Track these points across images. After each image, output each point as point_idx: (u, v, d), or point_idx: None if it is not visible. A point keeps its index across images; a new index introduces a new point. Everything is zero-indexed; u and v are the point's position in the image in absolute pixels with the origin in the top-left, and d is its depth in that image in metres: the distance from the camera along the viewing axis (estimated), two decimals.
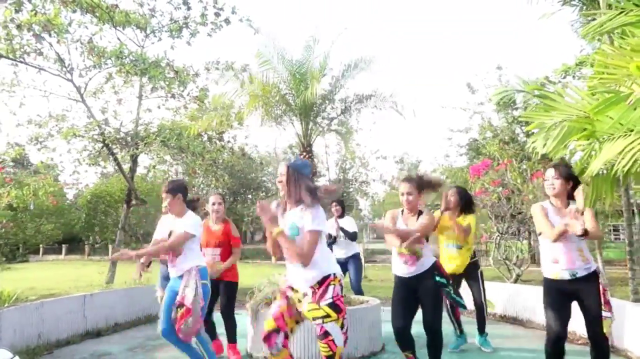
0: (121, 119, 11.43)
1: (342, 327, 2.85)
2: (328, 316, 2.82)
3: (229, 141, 13.10)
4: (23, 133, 11.58)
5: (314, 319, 2.86)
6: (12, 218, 6.65)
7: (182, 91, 11.14)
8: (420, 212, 3.76)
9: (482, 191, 7.27)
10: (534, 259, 15.04)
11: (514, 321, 6.43)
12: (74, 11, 9.16)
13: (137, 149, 10.72)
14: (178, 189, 3.87)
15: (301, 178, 2.96)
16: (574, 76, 11.10)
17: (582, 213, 3.38)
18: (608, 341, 3.24)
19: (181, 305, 3.64)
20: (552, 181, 3.44)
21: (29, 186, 7.12)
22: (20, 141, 11.24)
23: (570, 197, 3.48)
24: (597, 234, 3.39)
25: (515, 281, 8.11)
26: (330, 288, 2.86)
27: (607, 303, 3.26)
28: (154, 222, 4.18)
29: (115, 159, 10.99)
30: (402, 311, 3.71)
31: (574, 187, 3.45)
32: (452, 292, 3.74)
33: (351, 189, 27.90)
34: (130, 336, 5.70)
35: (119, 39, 10.44)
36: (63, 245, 30.84)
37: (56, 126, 10.81)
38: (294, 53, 4.91)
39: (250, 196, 26.93)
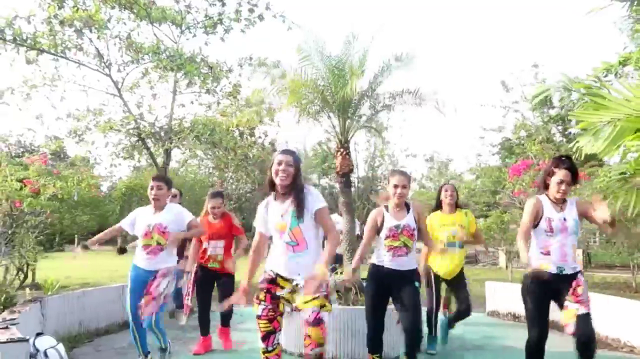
0: (156, 114, 11.64)
1: None
2: (324, 306, 2.93)
3: (260, 137, 13.22)
4: (62, 126, 11.91)
5: (309, 307, 2.90)
6: (56, 209, 6.88)
7: (216, 87, 11.29)
8: (407, 206, 3.74)
9: (520, 192, 7.13)
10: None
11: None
12: (113, 7, 9.37)
13: (170, 143, 10.89)
14: (170, 184, 4.16)
15: (301, 174, 3.06)
16: (616, 74, 10.74)
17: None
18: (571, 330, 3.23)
19: (148, 293, 3.84)
20: (565, 185, 3.34)
21: (73, 178, 7.35)
22: (60, 134, 11.57)
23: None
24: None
25: None
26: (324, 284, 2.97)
27: (577, 294, 3.26)
28: None
29: (151, 153, 11.19)
30: (380, 311, 3.72)
31: (575, 182, 3.47)
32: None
33: (379, 187, 27.73)
34: (167, 328, 5.76)
35: (155, 35, 10.62)
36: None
37: (94, 119, 11.08)
38: (333, 49, 4.87)
39: None
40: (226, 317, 4.96)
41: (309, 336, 2.91)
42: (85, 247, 4.06)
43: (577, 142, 4.23)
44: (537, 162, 7.33)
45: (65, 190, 6.40)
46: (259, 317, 3.00)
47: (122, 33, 9.70)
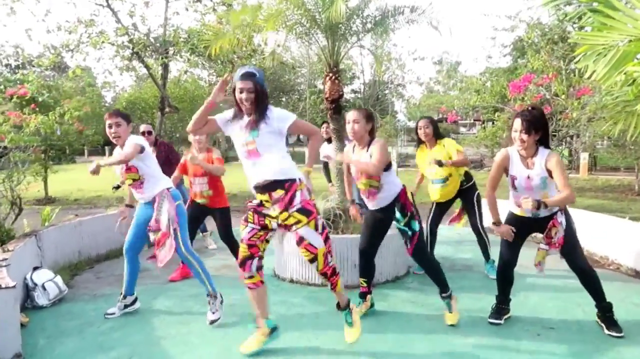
0: (149, 24, 11.15)
1: (316, 229, 2.95)
2: (299, 221, 2.91)
3: (259, 45, 12.66)
4: (54, 40, 11.45)
5: (288, 224, 2.94)
6: (40, 143, 6.70)
7: None
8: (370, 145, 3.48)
9: (521, 107, 6.91)
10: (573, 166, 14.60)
11: None
12: None
13: (166, 56, 10.54)
14: (130, 118, 3.75)
15: (265, 93, 2.94)
16: None
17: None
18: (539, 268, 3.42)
19: (157, 230, 3.67)
20: (520, 135, 3.18)
21: (54, 111, 7.16)
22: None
23: (544, 144, 3.29)
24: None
25: None
26: (298, 193, 2.92)
27: (549, 237, 3.32)
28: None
29: (147, 67, 10.89)
30: (368, 236, 3.69)
31: (544, 136, 3.25)
32: (402, 225, 3.56)
33: (387, 92, 27.11)
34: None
35: None
36: (106, 147, 32.07)
37: (85, 32, 10.68)
38: None
39: (284, 99, 26.62)
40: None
41: (304, 257, 3.01)
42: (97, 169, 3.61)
43: (580, 64, 3.97)
44: (539, 76, 6.95)
45: (47, 124, 6.24)
46: (241, 241, 3.06)
47: None
